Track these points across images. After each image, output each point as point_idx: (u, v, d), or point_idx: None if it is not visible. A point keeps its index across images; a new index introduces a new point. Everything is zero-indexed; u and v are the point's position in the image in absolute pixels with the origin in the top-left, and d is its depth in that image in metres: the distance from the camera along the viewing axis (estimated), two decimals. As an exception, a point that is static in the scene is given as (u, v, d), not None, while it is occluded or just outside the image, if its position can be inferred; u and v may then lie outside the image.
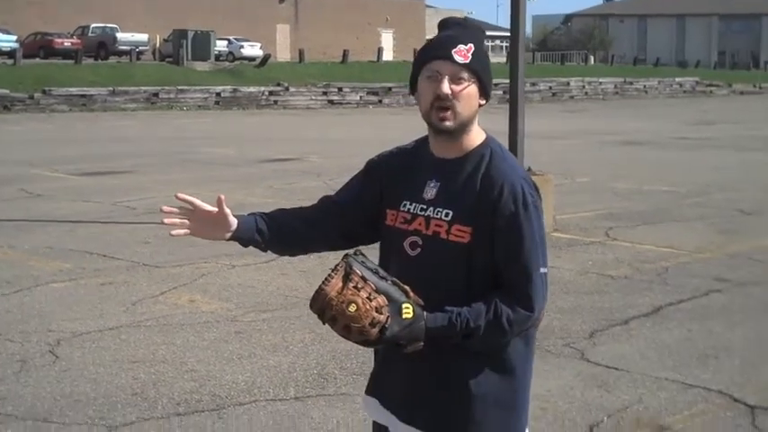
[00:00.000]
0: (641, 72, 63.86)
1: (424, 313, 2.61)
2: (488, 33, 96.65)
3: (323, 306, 2.55)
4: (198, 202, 2.83)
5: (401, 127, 22.28)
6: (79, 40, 49.21)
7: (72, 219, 12.25)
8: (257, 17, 63.79)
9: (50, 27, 50.88)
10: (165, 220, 2.81)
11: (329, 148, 22.70)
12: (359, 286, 2.54)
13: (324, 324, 2.60)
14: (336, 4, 70.22)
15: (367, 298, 2.53)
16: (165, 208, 2.83)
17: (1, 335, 6.96)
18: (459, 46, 2.69)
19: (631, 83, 58.36)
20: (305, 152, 21.38)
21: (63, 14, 54.59)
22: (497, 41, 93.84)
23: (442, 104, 2.66)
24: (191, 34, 47.64)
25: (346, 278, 2.55)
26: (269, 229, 2.88)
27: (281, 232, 2.89)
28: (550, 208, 11.03)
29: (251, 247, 2.93)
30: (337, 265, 2.58)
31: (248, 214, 2.92)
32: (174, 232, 2.82)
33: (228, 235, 2.86)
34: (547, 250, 2.72)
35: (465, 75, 2.68)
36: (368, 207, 2.88)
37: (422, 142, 2.86)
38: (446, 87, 2.65)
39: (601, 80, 56.75)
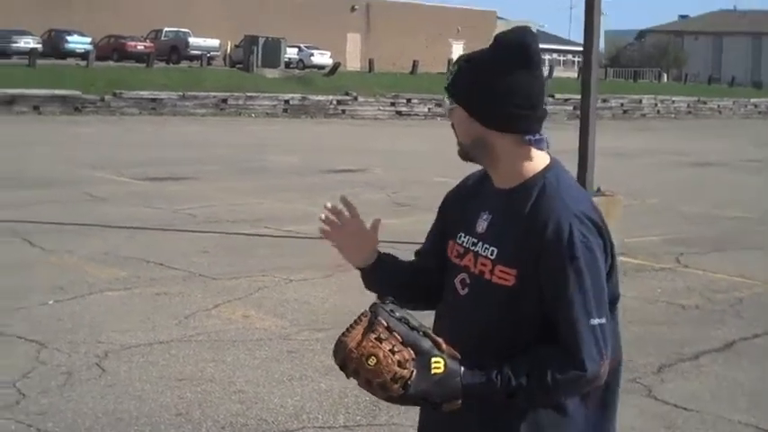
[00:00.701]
0: (715, 91, 62.65)
1: (461, 368, 2.32)
2: (560, 48, 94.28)
3: (343, 358, 2.31)
4: (357, 212, 2.64)
5: (468, 141, 21.83)
6: (152, 44, 49.73)
7: (132, 225, 12.17)
8: (328, 25, 63.94)
9: (125, 30, 51.47)
10: (321, 215, 2.64)
11: (395, 160, 22.48)
12: (382, 337, 2.29)
13: (348, 378, 2.36)
14: (407, 14, 70.16)
15: (390, 351, 2.27)
16: (329, 205, 2.65)
17: (50, 345, 6.83)
18: (451, 68, 2.48)
19: (705, 102, 57.29)
20: (370, 164, 21.18)
21: (137, 18, 55.25)
22: (569, 56, 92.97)
23: None
24: (261, 41, 47.78)
25: (369, 329, 2.30)
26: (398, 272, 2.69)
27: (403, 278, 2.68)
28: (619, 231, 10.65)
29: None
30: (362, 313, 2.34)
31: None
32: (324, 229, 2.65)
33: (366, 263, 2.65)
34: (605, 297, 2.37)
35: (451, 100, 2.47)
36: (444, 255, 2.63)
37: None
38: (447, 114, 2.54)
39: (674, 99, 55.77)
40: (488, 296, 2.42)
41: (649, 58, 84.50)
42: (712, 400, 6.22)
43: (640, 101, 53.47)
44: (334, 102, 42.26)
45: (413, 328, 2.33)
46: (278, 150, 23.89)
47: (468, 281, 2.48)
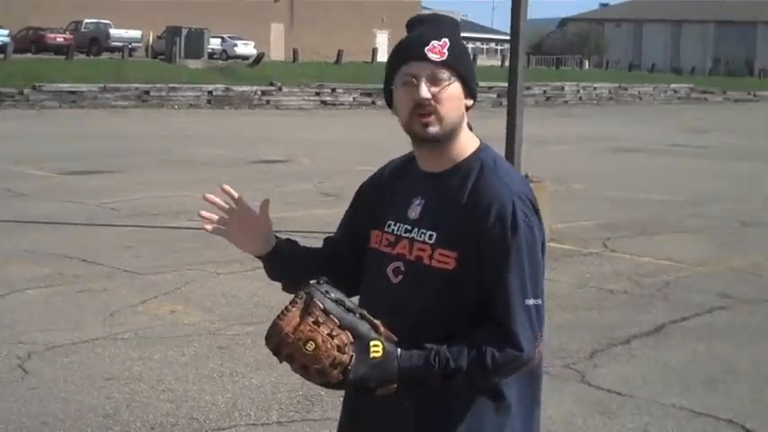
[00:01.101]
0: (636, 78, 63.49)
1: (398, 351, 2.27)
2: (484, 36, 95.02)
3: (278, 343, 2.21)
4: (242, 199, 2.56)
5: (394, 129, 21.67)
6: (71, 36, 48.73)
7: (54, 220, 11.87)
8: (252, 16, 63.31)
9: (44, 22, 50.35)
10: (202, 213, 2.55)
11: (321, 149, 22.34)
12: (320, 321, 2.20)
13: (281, 363, 2.25)
14: (331, 4, 69.78)
15: (328, 335, 2.19)
16: (208, 197, 2.56)
17: (-31, 346, 6.60)
18: (433, 42, 2.35)
19: (626, 88, 58.00)
20: (295, 153, 21.01)
21: (56, 10, 54.09)
22: (492, 45, 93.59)
23: (422, 111, 2.34)
24: (184, 32, 47.10)
25: (306, 311, 2.21)
26: (299, 258, 2.61)
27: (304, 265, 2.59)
28: (547, 217, 10.68)
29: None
30: (296, 295, 2.24)
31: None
32: (208, 227, 2.56)
33: (262, 251, 2.57)
34: (542, 277, 2.37)
35: (444, 74, 2.35)
36: (362, 243, 2.56)
37: (413, 156, 2.53)
38: (424, 91, 2.33)
39: (595, 85, 56.38)
40: (425, 281, 2.37)
41: (571, 46, 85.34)
42: (645, 385, 6.24)
43: (563, 88, 53.92)
44: (259, 92, 41.89)
45: (349, 311, 2.25)
46: (203, 142, 23.58)
47: (402, 268, 2.42)
